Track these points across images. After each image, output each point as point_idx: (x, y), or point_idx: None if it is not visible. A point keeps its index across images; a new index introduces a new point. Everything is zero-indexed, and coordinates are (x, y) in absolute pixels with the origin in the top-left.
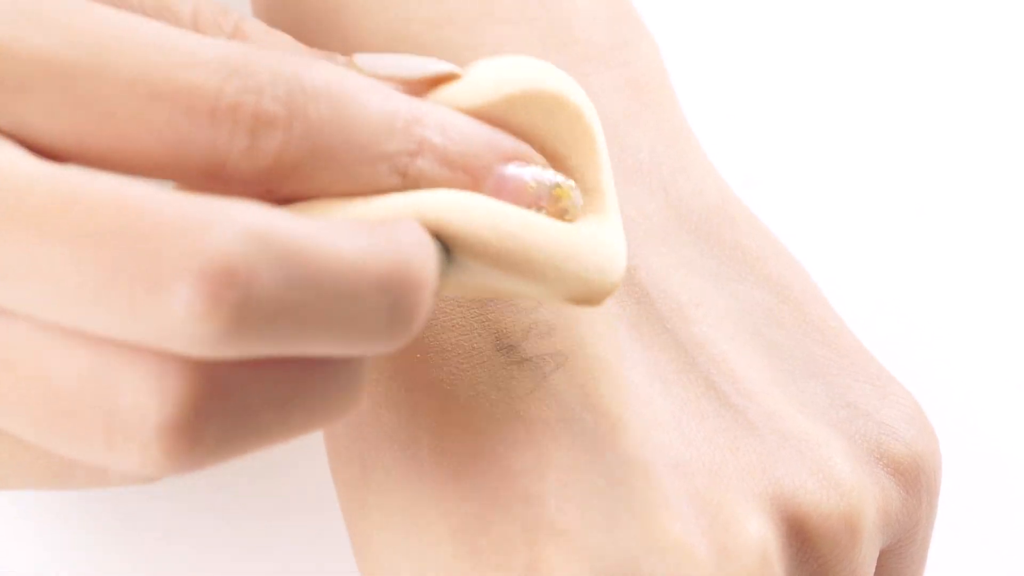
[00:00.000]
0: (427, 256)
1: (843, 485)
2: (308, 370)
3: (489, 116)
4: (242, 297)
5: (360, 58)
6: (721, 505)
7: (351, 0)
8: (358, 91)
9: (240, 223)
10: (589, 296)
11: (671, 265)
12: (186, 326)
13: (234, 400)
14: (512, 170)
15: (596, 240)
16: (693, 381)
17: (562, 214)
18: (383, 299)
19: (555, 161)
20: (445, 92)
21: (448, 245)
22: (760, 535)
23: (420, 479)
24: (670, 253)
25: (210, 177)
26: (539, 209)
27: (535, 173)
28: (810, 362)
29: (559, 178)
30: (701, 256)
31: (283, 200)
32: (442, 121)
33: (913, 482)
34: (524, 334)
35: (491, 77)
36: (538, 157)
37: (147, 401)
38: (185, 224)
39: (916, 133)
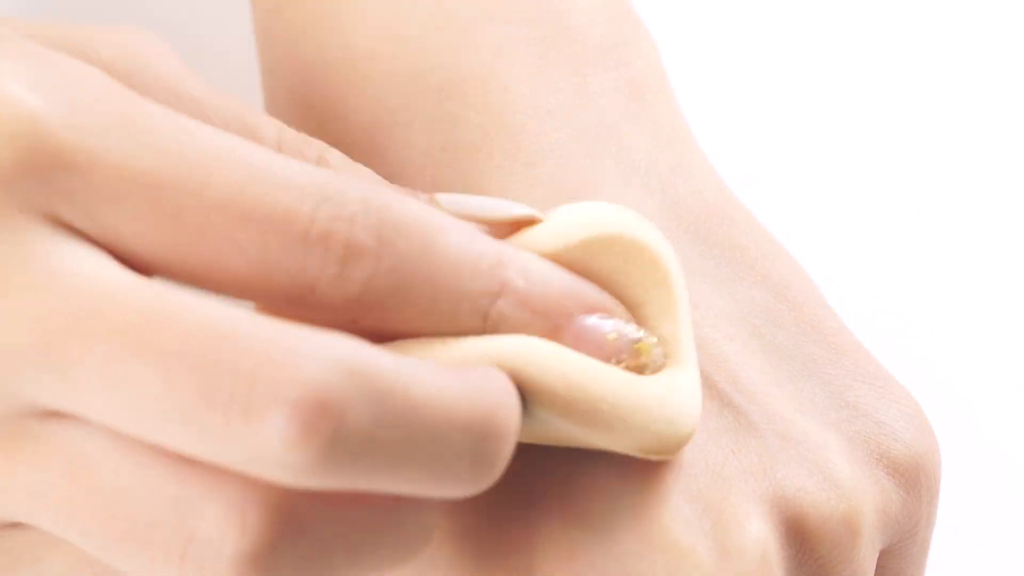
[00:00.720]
0: (513, 405)
1: (842, 487)
2: (382, 512)
3: (569, 260)
4: (335, 428)
5: (442, 197)
6: (722, 506)
7: (350, 2)
8: (445, 228)
9: (334, 354)
10: (660, 448)
11: None
12: (278, 453)
13: (310, 537)
14: (593, 321)
15: (667, 392)
16: None
17: (642, 369)
18: (469, 444)
19: (632, 308)
20: (526, 236)
21: (521, 392)
22: (760, 536)
23: None
24: None
25: (295, 302)
26: (619, 363)
27: (617, 326)
28: (809, 362)
29: (641, 333)
30: (700, 257)
31: (364, 334)
32: (525, 265)
33: (913, 483)
34: None
35: (571, 221)
36: (621, 310)
37: (226, 530)
38: (280, 351)
39: (915, 132)
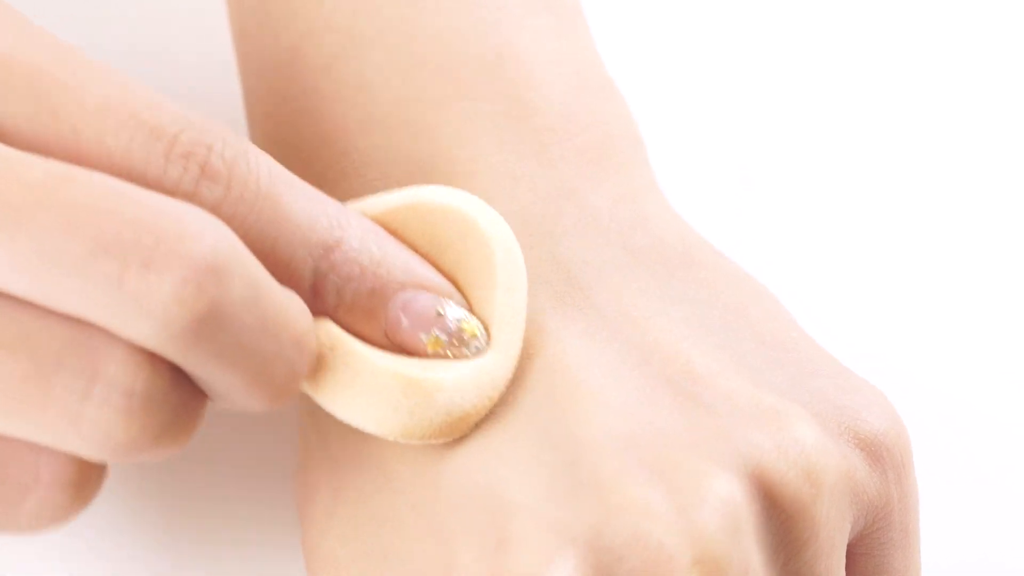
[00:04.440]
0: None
1: (803, 443)
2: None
3: (401, 221)
4: (220, 295)
5: None
6: (679, 467)
7: (324, 85)
8: (295, 184)
9: (225, 231)
10: (405, 432)
11: (624, 288)
12: (166, 308)
13: (179, 391)
14: (424, 297)
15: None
16: (647, 375)
17: (460, 348)
18: (293, 352)
19: (462, 286)
20: (366, 201)
21: None
22: (723, 490)
23: (389, 479)
24: (624, 280)
25: None
26: (438, 341)
27: (443, 305)
28: (769, 361)
29: (469, 317)
30: (658, 286)
31: None
32: (363, 231)
33: (877, 457)
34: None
35: (411, 191)
36: (457, 296)
37: (131, 370)
38: (182, 215)
39: (915, 133)
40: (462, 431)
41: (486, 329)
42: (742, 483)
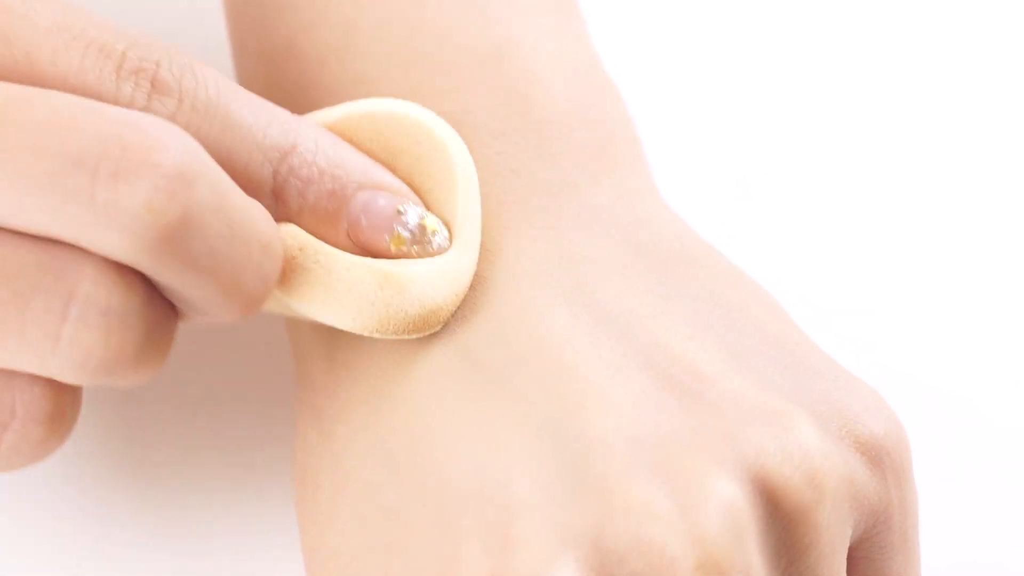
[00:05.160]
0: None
1: (805, 447)
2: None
3: (355, 129)
4: (191, 201)
5: None
6: (683, 469)
7: (321, 79)
8: (243, 92)
9: (191, 140)
10: (382, 325)
11: (628, 285)
12: (139, 215)
13: (154, 307)
14: (384, 196)
15: (418, 273)
16: (652, 376)
17: (424, 245)
18: (260, 257)
19: (420, 192)
20: (318, 112)
21: None
22: (727, 492)
23: (396, 472)
24: (627, 278)
25: None
26: (400, 238)
27: (404, 204)
28: (774, 361)
29: (428, 214)
30: (660, 284)
31: None
32: (317, 135)
33: (878, 461)
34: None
35: (363, 102)
36: (412, 195)
37: (106, 288)
38: (146, 126)
39: (913, 133)
40: (433, 326)
41: (447, 228)
42: (745, 486)
